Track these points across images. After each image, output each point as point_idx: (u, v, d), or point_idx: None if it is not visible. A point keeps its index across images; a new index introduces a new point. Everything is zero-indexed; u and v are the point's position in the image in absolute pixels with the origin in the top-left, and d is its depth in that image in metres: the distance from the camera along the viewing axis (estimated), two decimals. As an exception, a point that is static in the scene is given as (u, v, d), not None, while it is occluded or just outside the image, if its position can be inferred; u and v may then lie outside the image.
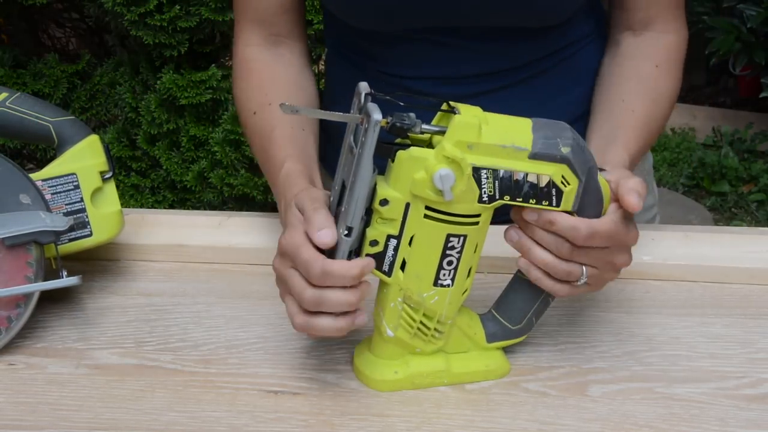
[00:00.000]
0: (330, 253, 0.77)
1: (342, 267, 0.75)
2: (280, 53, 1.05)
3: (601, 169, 0.82)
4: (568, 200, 0.77)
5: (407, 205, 0.76)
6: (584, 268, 0.80)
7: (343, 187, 0.76)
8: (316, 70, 2.33)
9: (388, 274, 0.79)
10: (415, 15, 0.99)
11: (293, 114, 0.74)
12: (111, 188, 0.96)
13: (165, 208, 2.48)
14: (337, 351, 0.89)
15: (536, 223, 0.79)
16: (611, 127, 0.95)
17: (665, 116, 1.01)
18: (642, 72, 1.01)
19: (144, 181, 2.53)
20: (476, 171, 0.75)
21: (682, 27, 1.04)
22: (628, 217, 0.80)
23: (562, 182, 0.76)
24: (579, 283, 0.81)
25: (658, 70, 1.01)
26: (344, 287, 0.76)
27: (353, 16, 1.02)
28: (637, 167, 1.19)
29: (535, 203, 0.77)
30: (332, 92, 1.19)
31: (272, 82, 1.03)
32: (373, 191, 0.76)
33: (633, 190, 0.79)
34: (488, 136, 0.75)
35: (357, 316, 0.78)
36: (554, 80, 1.07)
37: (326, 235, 0.75)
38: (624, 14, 1.04)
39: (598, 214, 0.80)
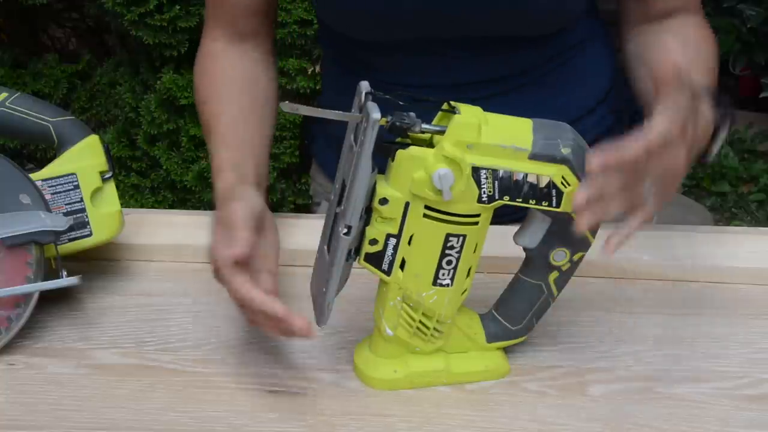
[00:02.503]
0: (330, 252, 0.77)
1: (256, 299, 0.80)
2: (242, 49, 1.06)
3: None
4: (569, 201, 0.77)
5: (407, 205, 0.76)
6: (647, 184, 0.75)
7: (343, 186, 0.76)
8: (315, 70, 2.33)
9: (388, 273, 0.79)
10: (412, 26, 0.99)
11: (294, 113, 0.75)
12: (111, 188, 0.96)
13: (165, 208, 2.48)
14: (337, 351, 0.89)
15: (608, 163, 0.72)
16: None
17: (713, 56, 0.97)
18: (676, 33, 0.99)
19: (144, 181, 2.53)
20: (476, 171, 0.75)
21: (704, 19, 1.02)
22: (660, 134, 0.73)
23: (562, 183, 0.76)
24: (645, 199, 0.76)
25: (694, 30, 0.99)
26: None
27: (350, 29, 1.03)
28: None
29: (535, 204, 0.77)
30: (329, 98, 1.19)
31: (224, 76, 1.04)
32: (373, 190, 0.76)
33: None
34: (488, 137, 0.75)
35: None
36: (553, 85, 1.07)
37: (235, 250, 0.81)
38: (640, 7, 1.02)
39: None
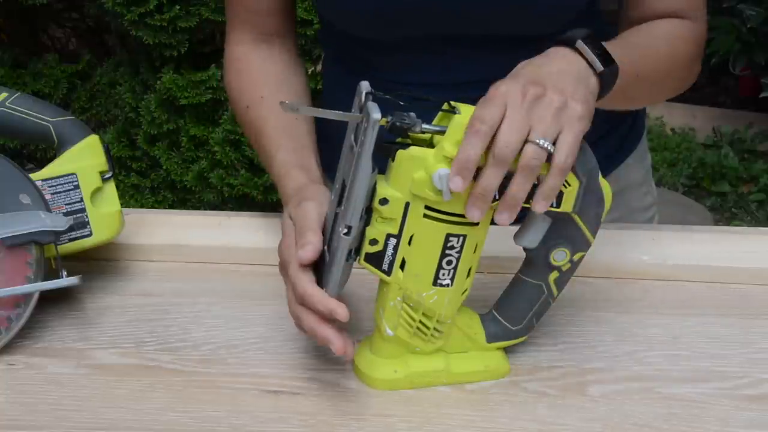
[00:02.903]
0: (331, 252, 0.77)
1: (316, 295, 0.78)
2: (268, 51, 1.07)
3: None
4: (569, 201, 0.77)
5: (407, 205, 0.76)
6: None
7: (344, 186, 0.76)
8: (315, 70, 2.33)
9: (388, 273, 0.79)
10: (414, 24, 0.99)
11: (294, 113, 0.75)
12: (111, 188, 0.96)
13: (165, 208, 2.48)
14: (337, 351, 0.89)
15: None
16: None
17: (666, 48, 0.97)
18: (640, 28, 0.98)
19: (144, 181, 2.54)
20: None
21: (696, 24, 1.01)
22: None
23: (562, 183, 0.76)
24: (542, 143, 0.73)
25: (667, 27, 0.98)
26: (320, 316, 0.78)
27: (352, 26, 1.03)
28: (635, 166, 1.19)
29: (535, 203, 0.77)
30: (330, 97, 1.19)
31: (263, 78, 1.05)
32: (373, 190, 0.76)
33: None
34: (488, 136, 0.74)
35: (334, 341, 0.78)
36: None
37: (305, 252, 0.78)
38: (638, 10, 1.01)
39: (599, 215, 0.80)
